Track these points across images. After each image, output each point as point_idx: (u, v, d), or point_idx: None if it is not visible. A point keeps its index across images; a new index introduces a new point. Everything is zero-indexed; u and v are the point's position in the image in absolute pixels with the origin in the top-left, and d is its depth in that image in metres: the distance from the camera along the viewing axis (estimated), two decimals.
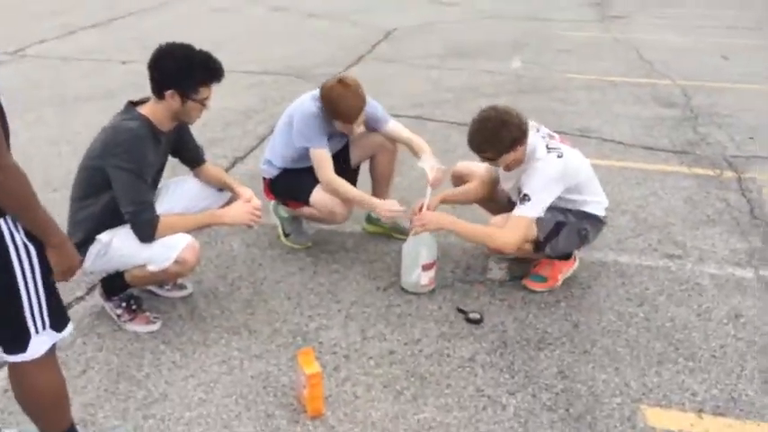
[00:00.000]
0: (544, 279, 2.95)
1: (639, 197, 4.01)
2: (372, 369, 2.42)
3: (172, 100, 2.42)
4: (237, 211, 2.62)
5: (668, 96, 6.17)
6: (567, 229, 2.82)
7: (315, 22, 9.50)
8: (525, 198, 2.71)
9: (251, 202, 2.67)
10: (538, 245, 2.81)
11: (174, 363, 2.43)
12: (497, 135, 2.66)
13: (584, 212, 2.87)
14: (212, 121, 5.19)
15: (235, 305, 2.80)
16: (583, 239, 2.90)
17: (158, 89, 2.42)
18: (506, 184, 3.00)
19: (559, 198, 2.80)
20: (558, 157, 2.75)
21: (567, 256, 2.97)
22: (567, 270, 3.01)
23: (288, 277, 3.03)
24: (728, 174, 4.39)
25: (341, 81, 2.97)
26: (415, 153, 3.23)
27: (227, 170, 4.26)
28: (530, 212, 2.72)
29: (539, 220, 2.77)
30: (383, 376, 2.39)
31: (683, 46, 8.25)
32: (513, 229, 2.72)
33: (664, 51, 7.85)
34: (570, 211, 2.85)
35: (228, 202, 2.81)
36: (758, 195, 4.05)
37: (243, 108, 5.57)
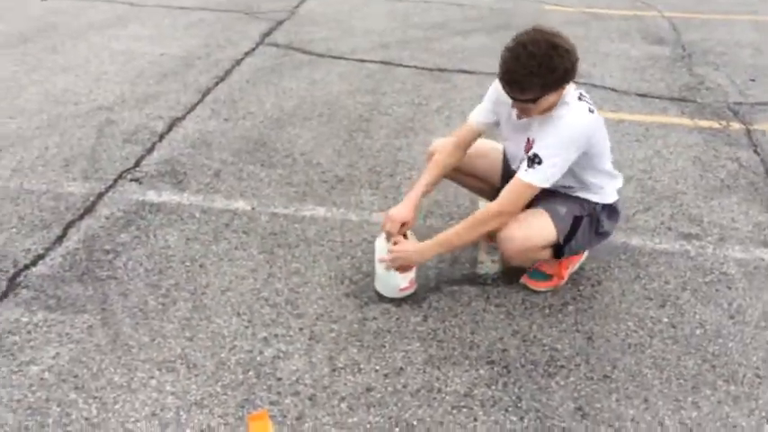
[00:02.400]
0: (548, 276, 2.45)
1: (643, 159, 3.50)
2: (345, 416, 1.91)
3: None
4: None
5: (657, 31, 5.61)
6: (584, 223, 2.29)
7: None
8: (535, 160, 2.07)
9: None
10: (558, 249, 2.29)
11: (87, 420, 1.88)
12: (550, 63, 1.94)
13: (598, 203, 2.34)
14: (147, 71, 4.46)
15: (169, 327, 2.24)
16: (600, 236, 2.39)
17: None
18: (512, 142, 2.33)
19: (572, 179, 2.25)
20: (590, 111, 2.13)
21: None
22: (574, 264, 2.52)
23: (237, 283, 2.46)
24: (735, 125, 3.91)
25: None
26: None
27: (162, 136, 3.60)
28: (537, 179, 2.09)
29: (557, 220, 2.24)
30: (360, 426, 1.89)
31: None
32: (511, 199, 2.15)
33: None
34: (584, 200, 2.31)
35: None
36: None
37: (182, 53, 4.81)
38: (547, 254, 2.31)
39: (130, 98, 4.02)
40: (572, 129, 2.08)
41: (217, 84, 4.33)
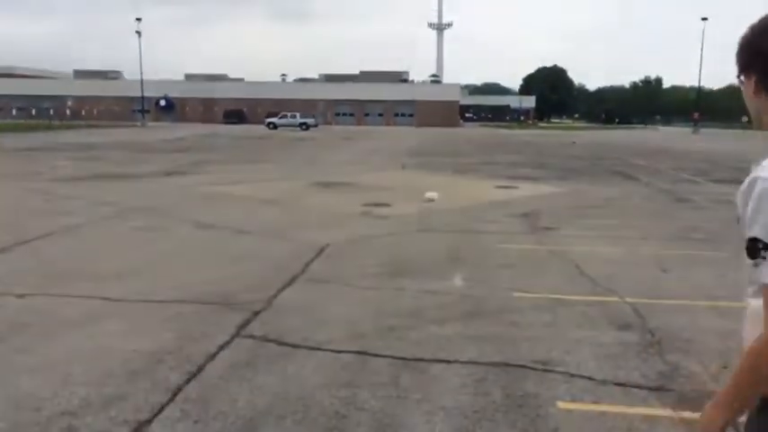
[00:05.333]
0: None
1: None
2: None
3: None
4: None
5: (622, 316, 5.81)
6: None
7: (244, 240, 9.08)
8: (757, 247, 1.58)
9: None
10: None
11: None
12: (744, 37, 1.69)
13: None
14: (116, 370, 4.36)
15: None
16: None
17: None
18: None
19: None
20: None
21: None
22: None
23: None
24: None
25: None
26: None
27: None
28: None
29: None
30: None
31: (618, 258, 8.18)
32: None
33: (601, 264, 7.73)
34: None
35: None
36: None
37: (154, 348, 4.77)
38: None
39: (96, 400, 3.87)
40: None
41: (188, 381, 4.23)
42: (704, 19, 62.22)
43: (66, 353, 4.65)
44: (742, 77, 1.72)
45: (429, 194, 13.68)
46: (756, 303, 1.64)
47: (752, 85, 1.68)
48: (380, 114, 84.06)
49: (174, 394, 4.00)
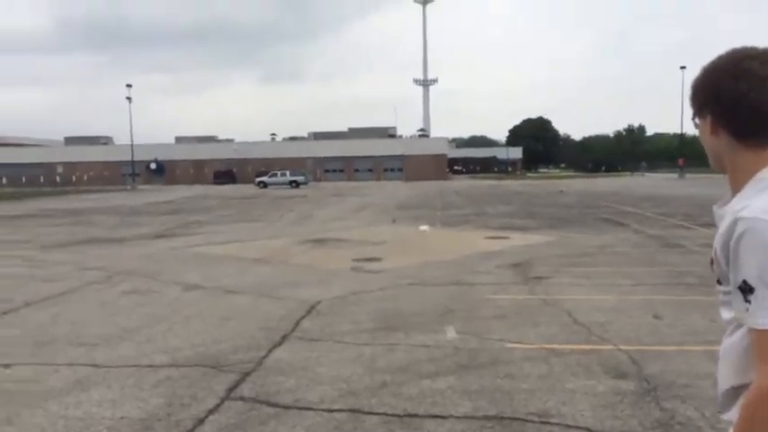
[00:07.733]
0: None
1: None
2: None
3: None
4: None
5: (617, 365, 5.76)
6: None
7: (233, 299, 9.00)
8: (745, 289, 1.50)
9: None
10: None
11: None
12: (697, 78, 1.69)
13: None
14: None
15: None
16: None
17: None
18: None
19: None
20: None
21: None
22: None
23: None
24: None
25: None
26: None
27: None
28: (763, 318, 1.48)
29: None
30: None
31: (611, 305, 8.15)
32: (761, 363, 1.48)
33: (594, 312, 7.70)
34: None
35: None
36: None
37: (143, 415, 4.67)
38: None
39: None
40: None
41: None
42: (683, 68, 63.82)
43: (51, 422, 4.54)
44: (697, 120, 1.73)
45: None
46: (730, 342, 1.64)
47: (708, 126, 1.68)
48: (370, 170, 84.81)
49: None
